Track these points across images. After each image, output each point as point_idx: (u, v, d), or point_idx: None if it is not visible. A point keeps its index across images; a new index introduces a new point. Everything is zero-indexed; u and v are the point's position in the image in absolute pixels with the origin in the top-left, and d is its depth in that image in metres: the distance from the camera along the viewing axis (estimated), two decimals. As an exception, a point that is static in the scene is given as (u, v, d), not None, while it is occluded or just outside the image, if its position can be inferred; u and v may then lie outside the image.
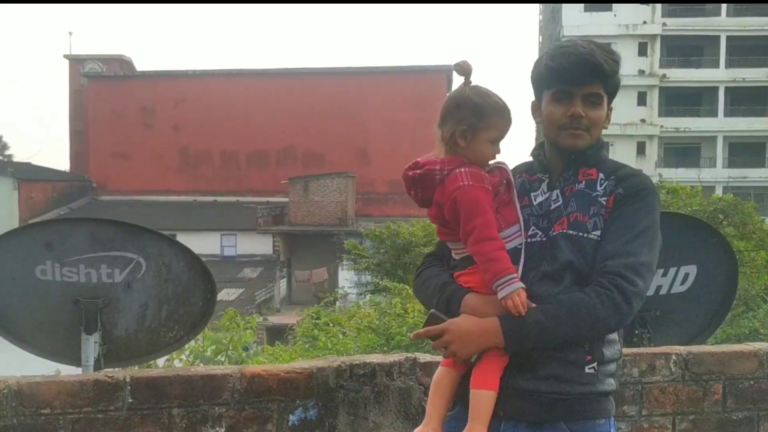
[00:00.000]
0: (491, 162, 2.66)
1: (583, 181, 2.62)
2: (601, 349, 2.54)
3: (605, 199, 2.57)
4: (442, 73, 50.09)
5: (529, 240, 2.61)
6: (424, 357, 3.78)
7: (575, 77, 2.57)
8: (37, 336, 4.65)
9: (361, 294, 22.85)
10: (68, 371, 4.26)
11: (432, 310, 2.63)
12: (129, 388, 3.45)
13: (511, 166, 2.75)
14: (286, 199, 44.42)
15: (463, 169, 2.55)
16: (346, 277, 31.56)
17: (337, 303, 21.80)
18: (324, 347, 11.90)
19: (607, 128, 2.70)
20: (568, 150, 2.63)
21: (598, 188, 2.60)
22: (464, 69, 2.64)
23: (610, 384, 2.58)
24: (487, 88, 2.65)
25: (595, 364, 2.52)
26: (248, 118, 51.72)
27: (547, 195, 2.66)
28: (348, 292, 26.28)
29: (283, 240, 42.05)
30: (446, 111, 2.66)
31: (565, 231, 2.56)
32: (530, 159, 2.81)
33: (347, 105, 50.76)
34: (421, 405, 3.59)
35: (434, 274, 2.77)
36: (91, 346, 4.42)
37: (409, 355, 3.80)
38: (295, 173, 45.78)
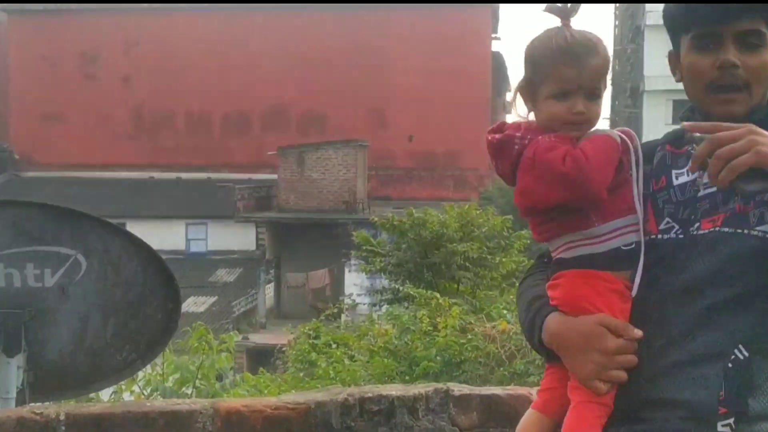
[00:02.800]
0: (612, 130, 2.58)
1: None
2: (745, 398, 2.32)
3: None
4: (486, 8, 50.05)
5: (659, 237, 2.47)
6: (460, 389, 3.79)
7: (720, 11, 2.41)
8: (-59, 359, 4.68)
9: (375, 304, 22.91)
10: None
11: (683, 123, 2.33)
12: (63, 428, 3.47)
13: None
14: (274, 176, 44.54)
15: (546, 137, 2.49)
16: (354, 282, 31.70)
17: (343, 316, 21.91)
18: (325, 376, 11.95)
19: None
20: (724, 119, 2.35)
21: None
22: (558, 10, 2.58)
23: None
24: (572, 28, 2.51)
25: (731, 421, 2.29)
26: (224, 67, 51.80)
27: (694, 176, 2.44)
28: (357, 301, 26.36)
29: (270, 231, 42.15)
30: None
31: (718, 229, 2.36)
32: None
33: (358, 50, 50.76)
34: (456, 454, 3.61)
35: (533, 284, 2.67)
36: (12, 372, 4.44)
37: (440, 386, 3.81)
38: (286, 142, 45.85)
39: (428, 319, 12.54)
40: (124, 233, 4.82)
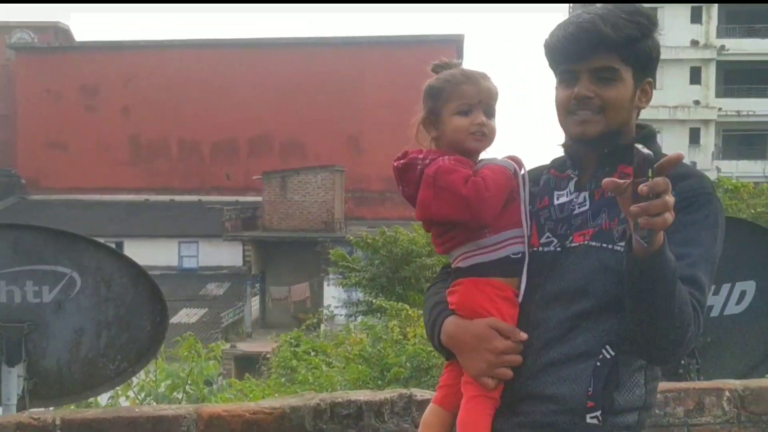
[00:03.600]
0: (503, 158, 2.66)
1: None
2: (611, 395, 2.43)
3: None
4: (452, 43, 50.19)
5: (540, 249, 2.58)
6: (422, 394, 3.78)
7: (574, 51, 2.52)
8: (-53, 369, 4.64)
9: (351, 315, 22.86)
10: (-9, 412, 4.27)
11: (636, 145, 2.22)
12: (59, 432, 3.46)
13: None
14: (259, 199, 44.45)
15: (447, 157, 2.57)
16: (332, 295, 31.61)
17: (322, 326, 21.88)
18: (304, 381, 11.92)
19: (643, 108, 2.62)
20: (578, 139, 2.57)
21: None
22: (443, 66, 2.73)
23: None
24: (459, 67, 2.71)
25: (598, 413, 2.41)
26: (213, 99, 51.75)
27: (572, 196, 2.60)
28: (335, 312, 26.31)
29: (256, 249, 42.05)
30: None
31: (587, 243, 2.49)
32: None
33: (336, 83, 50.81)
34: (418, 453, 3.59)
35: (436, 291, 2.76)
36: (13, 381, 4.42)
37: (404, 391, 3.81)
38: (270, 167, 45.82)
39: (399, 329, 12.53)
40: (116, 253, 4.81)
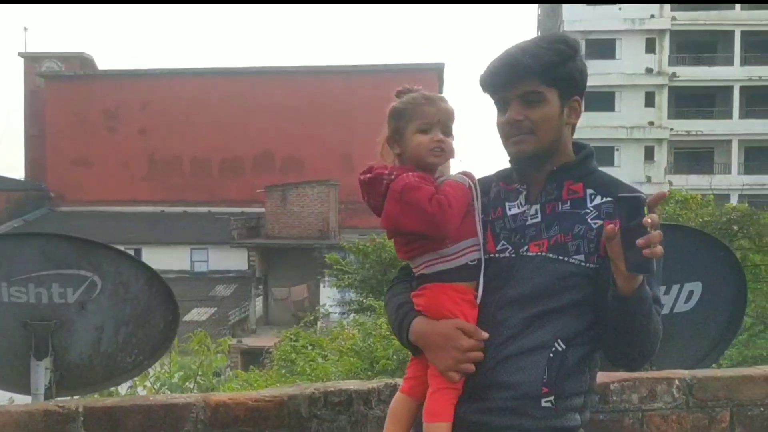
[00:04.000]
0: (458, 174, 2.67)
1: (569, 201, 2.60)
2: (562, 382, 2.50)
3: (598, 223, 2.53)
4: (434, 72, 50.27)
5: (496, 255, 2.60)
6: (405, 383, 3.77)
7: (500, 81, 2.60)
8: (-19, 362, 4.63)
9: (344, 313, 22.82)
10: (23, 401, 4.25)
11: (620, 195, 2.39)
12: (82, 419, 3.44)
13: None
14: (262, 210, 44.39)
15: (411, 174, 2.57)
16: (328, 295, 31.54)
17: (319, 323, 21.81)
18: (302, 372, 11.88)
19: (574, 123, 2.67)
20: (517, 159, 2.65)
21: (588, 206, 2.58)
22: (404, 92, 2.74)
23: (573, 419, 2.54)
24: (419, 91, 2.72)
25: (552, 398, 2.48)
26: (221, 121, 51.68)
27: (524, 208, 2.64)
28: (330, 311, 26.25)
29: (260, 254, 42.00)
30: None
31: (544, 254, 2.54)
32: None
33: (330, 107, 50.82)
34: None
35: (399, 292, 2.77)
36: (41, 372, 4.41)
37: (389, 381, 3.81)
38: (272, 181, 45.74)
39: (386, 326, 12.50)
40: (132, 259, 4.81)
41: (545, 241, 2.55)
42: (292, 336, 15.90)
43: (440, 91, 54.93)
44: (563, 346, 2.50)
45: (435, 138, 2.61)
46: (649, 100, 56.78)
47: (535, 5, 69.31)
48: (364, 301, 19.96)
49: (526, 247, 2.57)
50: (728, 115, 56.85)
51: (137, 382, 8.53)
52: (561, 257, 2.52)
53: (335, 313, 25.30)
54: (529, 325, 2.51)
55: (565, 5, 57.49)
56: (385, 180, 2.57)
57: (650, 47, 56.90)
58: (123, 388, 7.71)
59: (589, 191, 2.60)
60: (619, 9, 56.47)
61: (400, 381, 3.78)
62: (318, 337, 15.67)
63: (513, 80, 2.56)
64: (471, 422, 2.53)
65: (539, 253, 2.54)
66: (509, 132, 2.60)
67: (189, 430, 3.52)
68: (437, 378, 2.55)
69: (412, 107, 2.65)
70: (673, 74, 56.70)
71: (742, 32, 56.37)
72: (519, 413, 2.48)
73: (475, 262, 2.58)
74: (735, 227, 15.48)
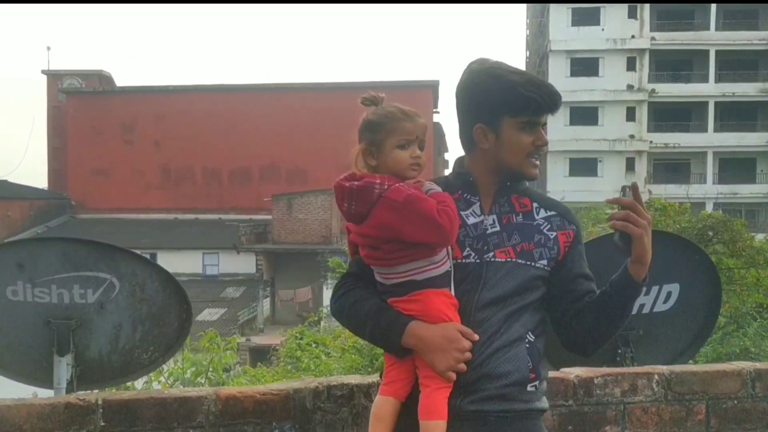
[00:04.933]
0: (429, 183, 2.63)
1: (521, 213, 2.71)
2: (541, 368, 2.63)
3: (554, 233, 2.70)
4: (429, 89, 50.31)
5: (463, 261, 2.62)
6: (403, 378, 3.77)
7: (547, 109, 2.65)
8: (8, 358, 4.61)
9: (345, 314, 22.75)
10: (46, 395, 4.24)
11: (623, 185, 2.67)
12: (101, 411, 3.44)
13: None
14: (269, 217, 44.41)
15: (403, 184, 2.52)
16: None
17: (322, 323, 21.75)
18: (307, 369, 11.86)
19: None
20: (531, 179, 2.72)
21: (537, 217, 2.71)
22: (371, 100, 2.69)
23: (545, 402, 2.69)
24: (391, 105, 2.66)
25: (536, 383, 2.61)
26: (230, 134, 51.76)
27: (480, 218, 2.68)
28: (333, 311, 26.24)
29: (267, 259, 42.01)
30: (359, 137, 2.66)
31: (513, 260, 2.63)
32: (444, 175, 2.85)
33: (331, 120, 50.75)
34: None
35: (364, 297, 2.67)
36: (63, 368, 4.40)
37: (388, 376, 3.80)
38: (278, 190, 45.79)
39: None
40: (148, 262, 4.80)
41: (510, 249, 2.64)
42: (297, 335, 15.87)
43: (435, 106, 55.03)
44: (533, 337, 2.63)
45: (414, 154, 2.59)
46: (630, 115, 56.85)
47: (524, 27, 69.42)
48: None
49: (491, 254, 2.62)
50: (704, 129, 56.96)
51: (152, 377, 8.51)
52: (528, 263, 2.64)
53: (338, 313, 25.26)
54: (506, 321, 2.60)
55: (551, 26, 57.59)
56: (377, 189, 2.50)
57: (631, 65, 56.99)
58: (139, 383, 7.70)
59: (535, 204, 2.74)
60: (602, 30, 56.59)
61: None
62: (321, 336, 15.65)
63: (546, 110, 2.66)
64: (468, 411, 2.56)
65: (508, 260, 2.63)
66: (533, 152, 2.68)
67: (201, 422, 3.52)
68: (433, 378, 2.53)
69: (390, 122, 2.60)
70: (653, 90, 56.78)
71: (717, 51, 56.52)
72: (510, 399, 2.56)
73: (449, 268, 2.58)
74: (710, 233, 15.51)
